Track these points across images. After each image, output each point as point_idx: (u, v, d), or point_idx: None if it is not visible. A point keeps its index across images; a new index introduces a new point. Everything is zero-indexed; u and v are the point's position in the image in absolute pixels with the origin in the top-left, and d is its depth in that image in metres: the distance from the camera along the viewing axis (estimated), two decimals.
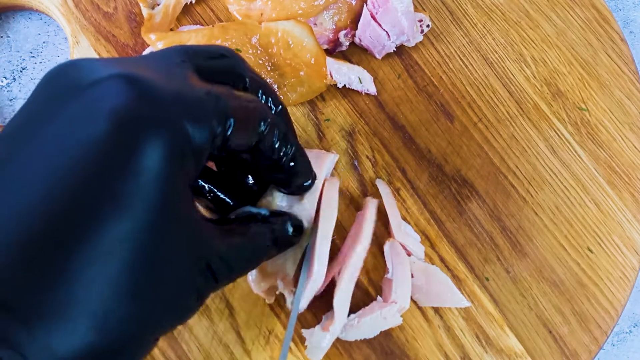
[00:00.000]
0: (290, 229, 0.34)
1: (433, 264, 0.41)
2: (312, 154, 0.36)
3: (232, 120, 0.27)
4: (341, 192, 0.42)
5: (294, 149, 0.33)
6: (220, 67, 0.30)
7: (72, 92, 0.24)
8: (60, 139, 0.23)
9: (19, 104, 0.46)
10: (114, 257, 0.22)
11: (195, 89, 0.27)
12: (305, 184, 0.35)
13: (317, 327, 0.37)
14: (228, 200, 0.34)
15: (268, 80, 0.43)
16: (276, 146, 0.31)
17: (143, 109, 0.24)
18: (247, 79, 0.31)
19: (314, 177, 0.36)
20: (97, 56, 0.44)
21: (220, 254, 0.27)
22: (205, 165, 0.30)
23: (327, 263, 0.36)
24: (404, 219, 0.42)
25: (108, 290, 0.22)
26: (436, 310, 0.40)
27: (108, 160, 0.22)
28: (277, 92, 0.43)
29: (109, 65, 0.25)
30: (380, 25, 0.43)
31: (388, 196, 0.42)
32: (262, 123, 0.30)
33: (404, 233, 0.41)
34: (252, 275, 0.36)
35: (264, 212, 0.33)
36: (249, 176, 0.35)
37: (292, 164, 0.33)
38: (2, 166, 0.23)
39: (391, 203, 0.41)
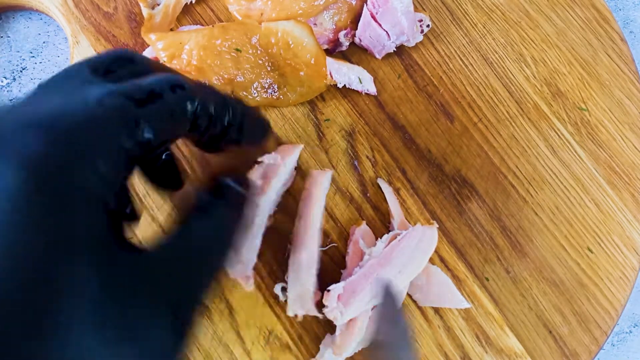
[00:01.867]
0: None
1: (433, 264, 0.41)
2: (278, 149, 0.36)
3: (147, 129, 0.25)
4: (341, 192, 0.42)
5: (236, 110, 0.29)
6: (112, 62, 0.27)
7: None
8: None
9: None
10: None
11: (97, 112, 0.24)
12: (261, 137, 0.32)
13: (329, 351, 0.37)
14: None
15: (268, 81, 0.43)
16: (215, 121, 0.28)
17: (50, 151, 0.22)
18: (144, 65, 0.28)
19: (267, 126, 0.33)
20: None
21: None
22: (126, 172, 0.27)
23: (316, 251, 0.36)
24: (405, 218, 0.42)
25: None
26: (436, 310, 0.40)
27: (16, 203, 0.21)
28: (278, 93, 0.43)
29: (15, 115, 0.24)
30: (380, 25, 0.43)
31: (390, 195, 0.42)
32: (185, 110, 0.27)
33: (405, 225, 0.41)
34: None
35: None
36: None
37: (241, 126, 0.30)
38: None
39: (394, 201, 0.41)
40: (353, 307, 0.36)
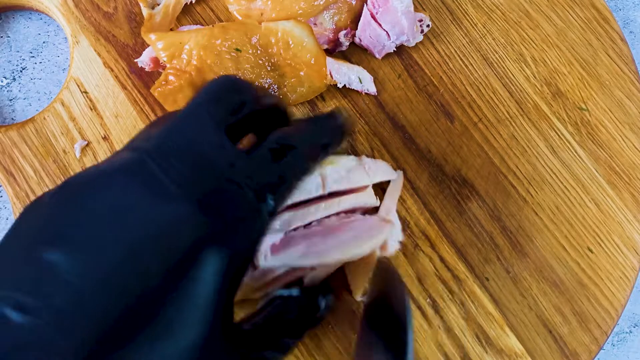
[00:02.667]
0: (323, 304, 0.34)
1: (433, 264, 0.41)
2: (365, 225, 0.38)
3: (279, 199, 0.27)
4: None
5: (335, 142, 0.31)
6: (236, 112, 0.28)
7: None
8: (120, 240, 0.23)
9: (19, 104, 0.46)
10: None
11: (238, 190, 0.25)
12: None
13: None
14: None
15: (268, 81, 0.43)
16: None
17: (198, 226, 0.23)
18: (253, 105, 0.30)
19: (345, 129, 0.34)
20: (97, 56, 0.44)
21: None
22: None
23: None
24: (404, 218, 0.42)
25: None
26: (436, 310, 0.40)
27: (166, 275, 0.22)
28: (277, 93, 0.43)
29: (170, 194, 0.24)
30: (380, 25, 0.43)
31: (396, 184, 0.42)
32: (306, 173, 0.29)
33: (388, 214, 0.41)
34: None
35: (294, 292, 0.33)
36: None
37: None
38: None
39: (393, 194, 0.41)
40: (278, 259, 0.36)
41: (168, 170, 0.24)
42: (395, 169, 0.42)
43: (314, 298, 0.34)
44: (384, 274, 0.36)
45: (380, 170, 0.41)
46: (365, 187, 0.40)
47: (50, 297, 0.21)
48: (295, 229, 0.38)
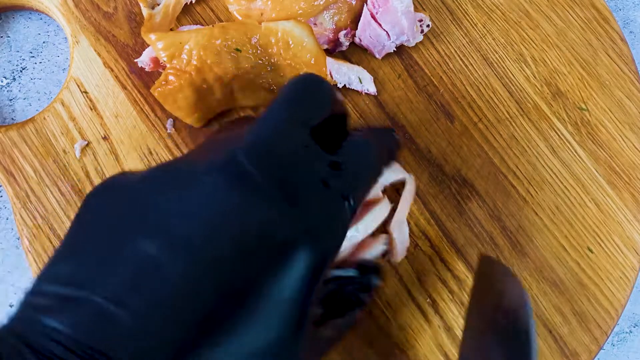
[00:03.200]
0: (376, 281, 0.35)
1: (433, 264, 0.41)
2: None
3: (359, 200, 0.28)
4: None
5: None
6: (328, 123, 0.29)
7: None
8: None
9: (19, 104, 0.46)
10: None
11: (328, 191, 0.26)
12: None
13: None
14: None
15: (268, 81, 0.43)
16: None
17: (290, 224, 0.24)
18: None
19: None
20: (97, 56, 0.44)
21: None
22: None
23: None
24: None
25: None
26: (436, 310, 0.40)
27: (258, 272, 0.23)
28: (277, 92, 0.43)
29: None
30: (380, 25, 0.43)
31: (410, 193, 0.42)
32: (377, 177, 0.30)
33: (399, 229, 0.41)
34: None
35: (352, 273, 0.34)
36: None
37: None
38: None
39: (407, 200, 0.41)
40: None
41: (262, 169, 0.25)
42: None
43: (367, 277, 0.34)
44: (495, 270, 0.36)
45: (394, 169, 0.40)
46: (379, 199, 0.40)
47: (150, 293, 0.21)
48: None
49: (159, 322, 0.21)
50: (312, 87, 0.29)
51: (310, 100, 0.29)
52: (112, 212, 0.24)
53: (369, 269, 0.35)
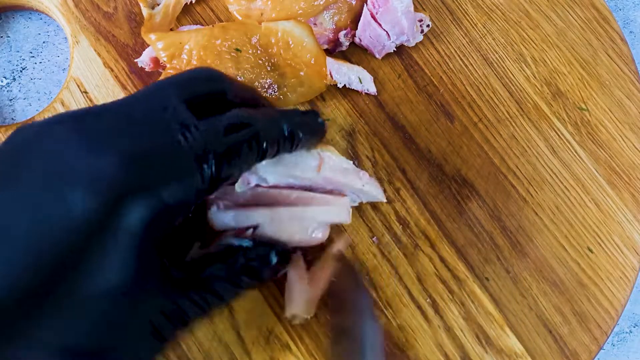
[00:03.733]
0: (274, 259, 0.33)
1: (433, 264, 0.41)
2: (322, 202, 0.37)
3: (220, 166, 0.28)
4: None
5: (300, 136, 0.33)
6: (204, 93, 0.31)
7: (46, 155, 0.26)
8: (41, 198, 0.24)
9: (18, 104, 0.46)
10: (84, 310, 0.24)
11: (179, 148, 0.27)
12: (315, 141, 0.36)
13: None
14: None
15: (268, 81, 0.43)
16: (281, 151, 0.32)
17: (122, 177, 0.25)
18: (230, 95, 0.32)
19: (322, 130, 0.36)
20: (97, 56, 0.44)
21: (178, 307, 0.28)
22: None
23: None
24: (404, 218, 0.42)
25: (72, 338, 0.24)
26: (436, 310, 0.40)
27: (89, 225, 0.24)
28: (277, 93, 0.43)
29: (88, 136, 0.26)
30: (380, 25, 0.43)
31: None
32: (260, 152, 0.30)
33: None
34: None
35: (245, 243, 0.33)
36: None
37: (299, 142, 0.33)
38: None
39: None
40: (231, 215, 0.36)
41: (107, 125, 0.26)
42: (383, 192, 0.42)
43: (266, 252, 0.33)
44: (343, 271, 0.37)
45: (372, 186, 0.40)
46: (343, 196, 0.39)
47: None
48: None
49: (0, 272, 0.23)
50: (199, 72, 0.32)
51: (192, 80, 0.30)
52: None
53: (266, 245, 0.34)
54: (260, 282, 0.33)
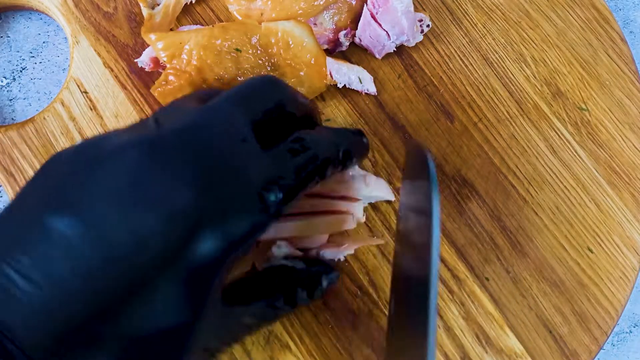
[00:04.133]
0: (325, 283, 0.34)
1: None
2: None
3: (287, 198, 0.28)
4: None
5: (353, 158, 0.33)
6: (269, 110, 0.30)
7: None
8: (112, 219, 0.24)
9: (18, 104, 0.46)
10: (139, 347, 0.24)
11: (247, 180, 0.27)
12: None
13: None
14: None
15: None
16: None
17: (196, 208, 0.25)
18: (289, 106, 0.31)
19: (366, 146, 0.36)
20: (97, 56, 0.44)
21: (230, 332, 0.29)
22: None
23: None
24: None
25: None
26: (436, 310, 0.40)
27: (161, 254, 0.23)
28: None
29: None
30: (380, 25, 0.43)
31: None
32: (322, 178, 0.30)
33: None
34: None
35: (299, 266, 0.33)
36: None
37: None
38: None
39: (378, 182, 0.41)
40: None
41: (178, 151, 0.26)
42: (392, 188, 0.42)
43: (317, 274, 0.34)
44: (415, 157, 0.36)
45: (380, 187, 0.40)
46: (357, 199, 0.39)
47: (51, 265, 0.22)
48: None
49: (62, 300, 0.22)
50: (262, 85, 0.31)
51: (257, 97, 0.30)
52: (39, 186, 0.25)
53: (318, 266, 0.34)
54: (307, 303, 0.34)
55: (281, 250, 0.35)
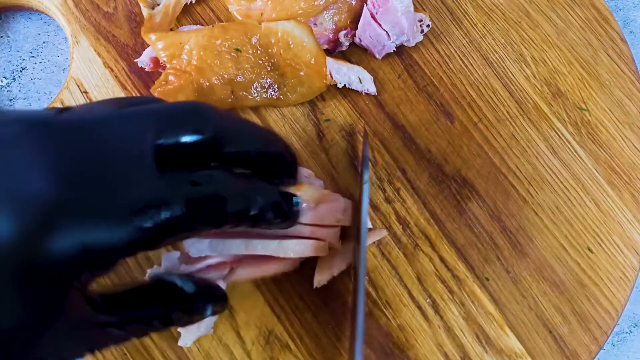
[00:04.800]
0: (209, 312, 0.31)
1: (433, 264, 0.41)
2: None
3: (163, 227, 0.25)
4: (341, 192, 0.42)
5: (268, 218, 0.30)
6: (186, 141, 0.27)
7: None
8: None
9: (18, 104, 0.46)
10: None
11: (124, 193, 0.25)
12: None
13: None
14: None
15: (268, 81, 0.43)
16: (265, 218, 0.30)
17: (56, 199, 0.23)
18: (226, 143, 0.28)
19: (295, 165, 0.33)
20: (97, 56, 0.44)
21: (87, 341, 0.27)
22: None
23: None
24: (404, 218, 0.42)
25: None
26: (436, 310, 0.40)
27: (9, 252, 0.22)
28: (277, 93, 0.43)
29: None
30: (380, 25, 0.43)
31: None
32: (217, 223, 0.27)
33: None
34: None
35: (188, 288, 0.30)
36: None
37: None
38: None
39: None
40: (207, 244, 0.35)
41: (60, 144, 0.24)
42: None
43: (205, 307, 0.31)
44: None
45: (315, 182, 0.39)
46: (334, 226, 0.38)
47: None
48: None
49: None
50: (187, 111, 0.28)
51: (176, 122, 0.27)
52: None
53: (208, 294, 0.31)
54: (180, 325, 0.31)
55: (168, 261, 0.34)
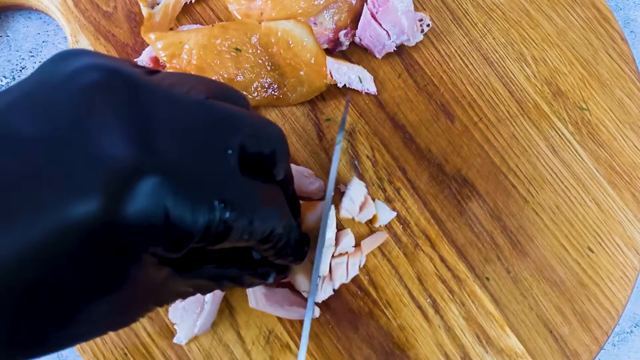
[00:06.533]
0: (271, 279, 0.33)
1: (434, 264, 0.41)
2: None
3: (233, 217, 0.26)
4: (341, 192, 0.42)
5: (295, 246, 0.32)
6: (262, 153, 0.29)
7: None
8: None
9: None
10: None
11: (210, 184, 0.25)
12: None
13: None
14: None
15: (268, 80, 0.43)
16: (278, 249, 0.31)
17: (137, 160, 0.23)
18: (281, 174, 0.31)
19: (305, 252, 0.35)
20: None
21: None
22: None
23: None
24: (404, 218, 0.42)
25: None
26: (436, 310, 0.40)
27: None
28: (277, 92, 0.43)
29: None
30: (380, 24, 0.43)
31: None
32: (272, 238, 0.29)
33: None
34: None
35: (255, 256, 0.32)
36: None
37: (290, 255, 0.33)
38: None
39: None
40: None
41: (169, 123, 0.25)
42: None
43: (267, 272, 0.33)
44: None
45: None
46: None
47: None
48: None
49: None
50: (278, 133, 0.30)
51: (264, 135, 0.29)
52: None
53: (271, 265, 0.33)
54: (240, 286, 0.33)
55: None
